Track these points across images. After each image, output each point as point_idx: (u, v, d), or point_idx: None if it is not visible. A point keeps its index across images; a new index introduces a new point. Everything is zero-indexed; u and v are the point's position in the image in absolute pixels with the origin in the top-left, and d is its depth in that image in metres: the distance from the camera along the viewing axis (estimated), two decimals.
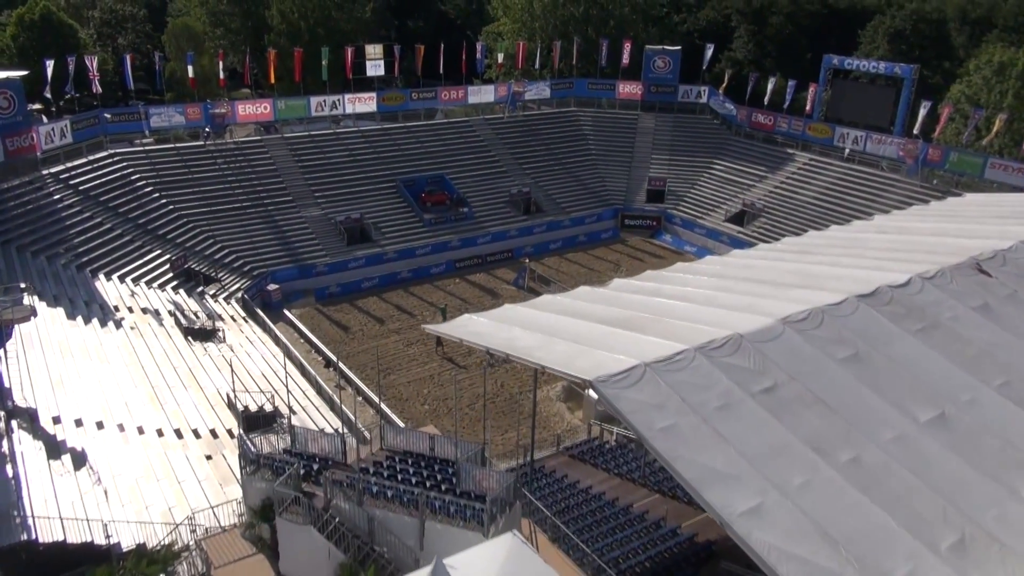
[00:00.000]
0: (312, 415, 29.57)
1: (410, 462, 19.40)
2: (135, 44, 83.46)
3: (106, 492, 20.68)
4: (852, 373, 17.88)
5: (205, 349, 32.88)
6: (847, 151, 53.68)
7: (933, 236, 27.67)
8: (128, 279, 37.86)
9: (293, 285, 42.99)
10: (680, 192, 56.70)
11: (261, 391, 29.54)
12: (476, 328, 21.72)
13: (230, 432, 26.42)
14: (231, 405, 27.94)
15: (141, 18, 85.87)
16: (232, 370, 31.22)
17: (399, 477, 17.93)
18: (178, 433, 25.46)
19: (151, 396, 27.19)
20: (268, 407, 28.21)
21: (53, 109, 68.07)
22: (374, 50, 54.92)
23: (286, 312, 40.30)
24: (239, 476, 20.59)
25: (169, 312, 35.61)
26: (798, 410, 16.51)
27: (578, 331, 19.99)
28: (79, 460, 21.68)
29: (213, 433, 26.15)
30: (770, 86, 58.39)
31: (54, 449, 21.73)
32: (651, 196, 56.57)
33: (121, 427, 24.49)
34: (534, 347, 19.08)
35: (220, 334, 34.69)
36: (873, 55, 63.46)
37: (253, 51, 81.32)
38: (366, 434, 28.73)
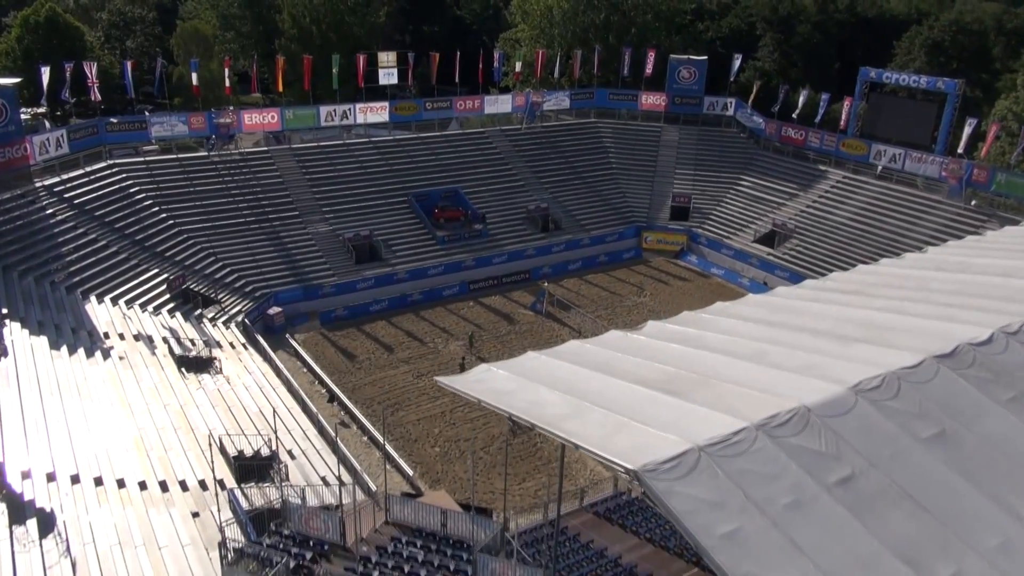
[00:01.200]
0: (312, 459, 27.11)
1: (419, 544, 16.89)
2: (144, 47, 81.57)
3: (74, 565, 18.25)
4: (940, 457, 15.17)
5: (199, 382, 30.45)
6: (879, 168, 50.86)
7: (1002, 277, 24.83)
8: (122, 301, 35.54)
9: (297, 307, 40.60)
10: (705, 209, 54.00)
11: (258, 431, 27.18)
12: (496, 384, 19.12)
13: (221, 483, 23.92)
14: (223, 450, 25.48)
15: (151, 20, 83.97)
16: (228, 407, 28.93)
17: (406, 569, 15.38)
18: (163, 485, 23.02)
19: (136, 441, 24.77)
20: (265, 451, 25.78)
21: (59, 113, 66.24)
22: (387, 58, 52.53)
23: (288, 338, 37.87)
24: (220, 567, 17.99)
25: (163, 339, 33.23)
26: (883, 509, 13.82)
27: (613, 394, 17.36)
28: (47, 525, 19.24)
29: (202, 484, 23.69)
30: (801, 99, 55.66)
31: (19, 512, 19.32)
32: (675, 213, 53.89)
33: (99, 480, 22.07)
34: (564, 416, 16.45)
35: (216, 364, 32.26)
36: (909, 67, 60.58)
37: (264, 56, 79.58)
38: (371, 484, 26.31)
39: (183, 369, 30.99)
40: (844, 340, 20.04)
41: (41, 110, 70.96)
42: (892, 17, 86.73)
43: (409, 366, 35.93)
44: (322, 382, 34.30)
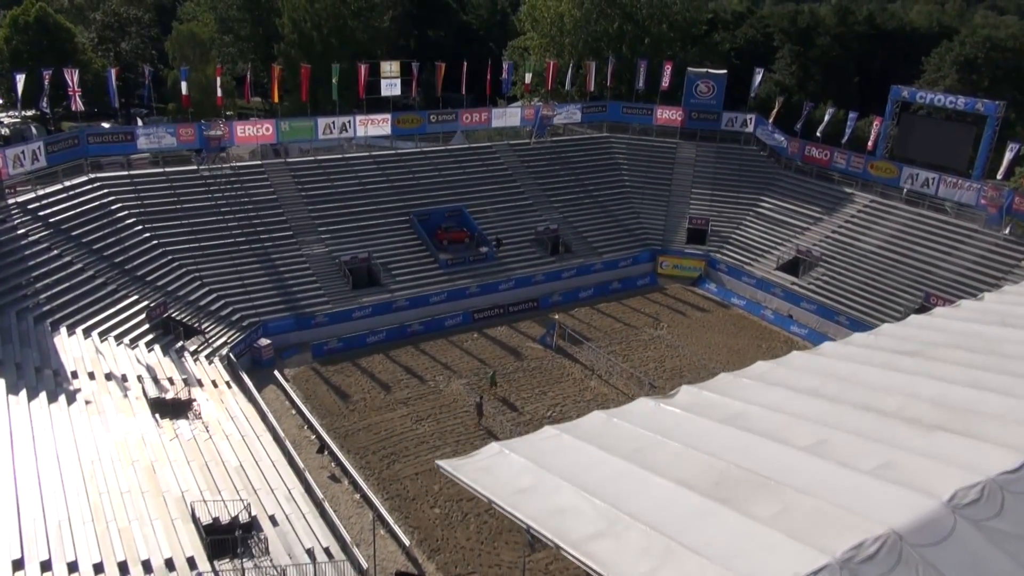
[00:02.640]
0: (297, 525, 24.07)
1: None
2: (139, 50, 78.80)
3: None
4: None
5: (175, 430, 27.46)
6: (905, 191, 47.92)
7: None
8: (95, 333, 32.56)
9: (287, 338, 37.65)
10: (724, 233, 51.01)
11: (237, 492, 24.30)
12: (509, 476, 16.19)
13: (191, 561, 20.97)
14: (196, 518, 22.50)
15: (147, 22, 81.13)
16: (205, 462, 25.99)
17: None
18: (123, 567, 19.98)
19: (96, 509, 21.78)
20: (244, 516, 22.84)
21: (48, 117, 63.44)
22: (390, 67, 49.59)
23: (277, 374, 34.86)
24: None
25: (138, 377, 30.24)
26: None
27: (653, 500, 14.41)
28: None
29: (169, 564, 20.66)
30: (827, 116, 52.70)
31: None
32: (692, 236, 50.94)
33: (46, 565, 19.08)
34: (595, 534, 13.51)
35: (195, 407, 29.27)
36: (939, 84, 57.62)
37: (263, 60, 76.80)
38: (362, 560, 23.33)
39: (157, 415, 27.97)
40: (921, 426, 17.02)
41: (29, 113, 68.36)
42: (913, 30, 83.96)
43: (407, 408, 32.93)
44: (312, 427, 31.29)
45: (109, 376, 29.78)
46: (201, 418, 28.94)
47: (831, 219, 49.30)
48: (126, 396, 28.83)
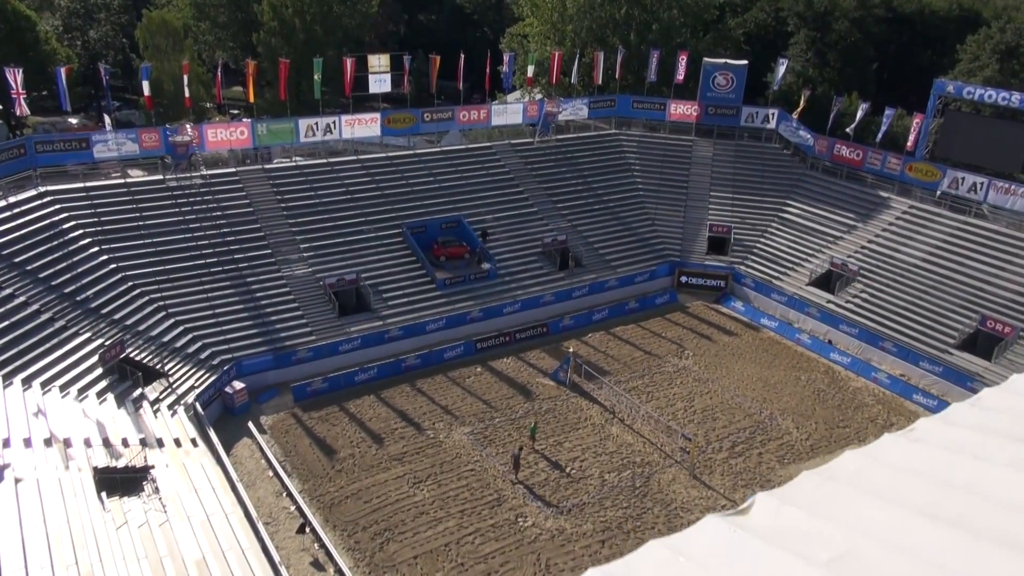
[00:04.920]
0: None
1: None
2: (108, 38, 73.30)
3: None
4: None
5: (125, 514, 22.86)
6: (938, 193, 43.55)
7: None
8: (36, 382, 27.87)
9: (265, 377, 33.06)
10: (748, 242, 46.49)
11: None
12: None
13: None
14: None
15: (117, 8, 75.47)
16: (159, 559, 21.51)
17: None
18: None
19: None
20: None
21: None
22: (379, 61, 44.61)
23: (251, 426, 30.20)
24: None
25: (85, 441, 25.62)
26: None
27: None
28: None
29: None
30: (860, 113, 48.06)
31: None
32: (712, 245, 46.41)
33: None
34: None
35: (151, 478, 24.67)
36: (977, 75, 52.96)
37: (243, 48, 71.45)
38: None
39: (104, 494, 23.37)
40: None
41: None
42: (932, 13, 79.04)
43: (404, 467, 28.40)
44: (292, 494, 26.74)
45: (49, 442, 25.09)
46: (158, 493, 24.31)
47: (866, 227, 44.80)
48: (68, 468, 24.19)
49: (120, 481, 24.14)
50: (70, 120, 68.06)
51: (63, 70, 36.76)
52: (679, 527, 25.86)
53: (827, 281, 42.34)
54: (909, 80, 70.01)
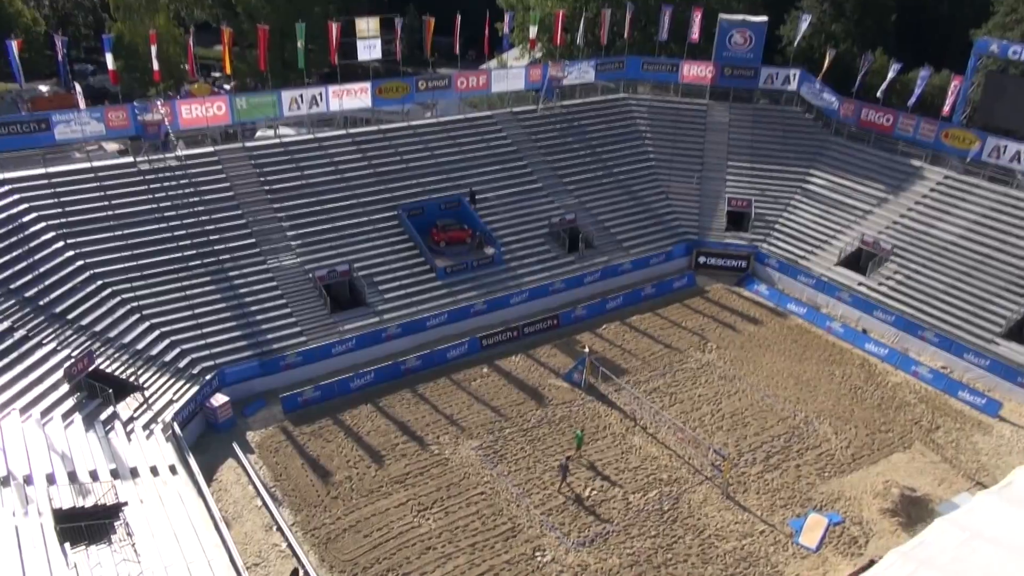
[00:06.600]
0: None
1: None
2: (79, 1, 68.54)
3: None
4: None
5: (91, 569, 20.11)
6: (968, 159, 40.24)
7: None
8: None
9: (251, 386, 30.10)
10: (769, 216, 43.25)
11: None
12: None
13: None
14: None
15: None
16: None
17: None
18: None
19: None
20: None
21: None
22: (367, 25, 40.68)
23: (235, 447, 27.32)
24: None
25: (47, 476, 22.75)
26: None
27: None
28: None
29: None
30: (891, 73, 44.32)
31: None
32: (731, 220, 43.15)
33: None
34: None
35: (122, 518, 21.86)
36: (1014, 31, 49.04)
37: (223, 7, 66.99)
38: None
39: (67, 543, 20.54)
40: None
41: None
42: None
43: (406, 490, 25.64)
44: (282, 530, 23.99)
45: (7, 480, 22.21)
46: (132, 537, 21.52)
47: (898, 200, 41.51)
48: (27, 512, 21.34)
49: (86, 528, 21.30)
50: (40, 87, 63.93)
51: (15, 44, 32.80)
52: (714, 559, 23.26)
53: (857, 260, 39.25)
54: (925, 33, 65.99)
